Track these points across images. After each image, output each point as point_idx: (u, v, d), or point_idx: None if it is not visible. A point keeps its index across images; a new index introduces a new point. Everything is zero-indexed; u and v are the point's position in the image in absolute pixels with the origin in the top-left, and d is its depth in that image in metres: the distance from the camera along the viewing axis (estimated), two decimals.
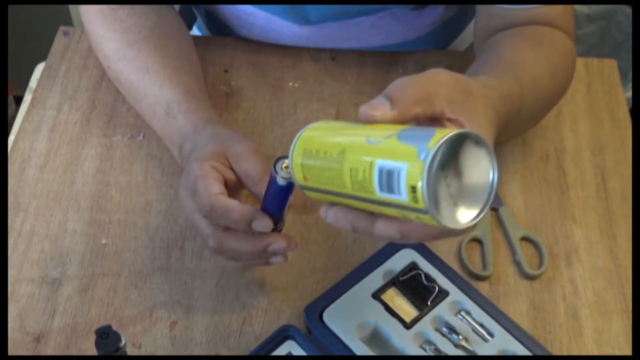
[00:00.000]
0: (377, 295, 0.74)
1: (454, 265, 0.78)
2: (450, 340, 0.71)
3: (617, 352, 0.73)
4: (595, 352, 0.73)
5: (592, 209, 0.83)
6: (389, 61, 0.96)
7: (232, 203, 0.67)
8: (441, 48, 1.03)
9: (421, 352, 0.71)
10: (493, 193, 0.51)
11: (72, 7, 1.73)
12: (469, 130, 0.50)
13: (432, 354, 0.70)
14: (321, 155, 0.56)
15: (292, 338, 0.72)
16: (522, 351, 0.71)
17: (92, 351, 0.70)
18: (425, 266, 0.76)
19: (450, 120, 0.58)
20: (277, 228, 0.68)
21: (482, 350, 0.71)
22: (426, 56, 0.97)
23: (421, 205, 0.48)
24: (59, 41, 0.97)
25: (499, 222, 0.82)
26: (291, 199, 0.67)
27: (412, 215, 0.51)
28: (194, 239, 0.80)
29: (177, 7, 1.05)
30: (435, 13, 0.96)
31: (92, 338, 0.64)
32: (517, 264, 0.78)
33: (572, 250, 0.80)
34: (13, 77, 1.83)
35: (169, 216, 0.81)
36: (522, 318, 0.75)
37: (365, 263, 0.76)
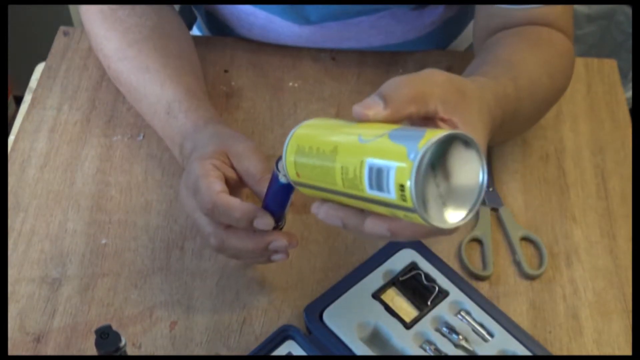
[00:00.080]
0: (377, 295, 0.74)
1: (454, 265, 0.78)
2: (450, 340, 0.71)
3: (617, 352, 0.73)
4: (595, 352, 0.73)
5: (592, 209, 0.83)
6: (389, 61, 0.96)
7: (234, 201, 0.67)
8: (441, 48, 1.03)
9: (421, 352, 0.71)
10: (482, 194, 0.52)
11: (72, 7, 1.73)
12: (459, 132, 0.51)
13: (432, 354, 0.70)
14: (314, 152, 0.57)
15: (292, 338, 0.72)
16: (522, 351, 0.71)
17: (92, 351, 0.70)
18: (425, 266, 0.76)
19: (443, 120, 0.58)
20: (278, 226, 0.69)
21: (482, 350, 0.71)
22: (426, 56, 0.97)
23: (409, 203, 0.49)
24: (59, 41, 0.97)
25: (499, 222, 0.82)
26: (292, 197, 0.67)
27: (401, 214, 0.51)
28: (194, 239, 0.80)
29: (177, 7, 1.05)
30: (435, 13, 0.96)
31: (92, 338, 0.64)
32: (517, 264, 0.78)
33: (572, 250, 0.80)
34: (13, 77, 1.83)
35: (169, 216, 0.81)
36: (522, 318, 0.75)
37: (365, 263, 0.76)
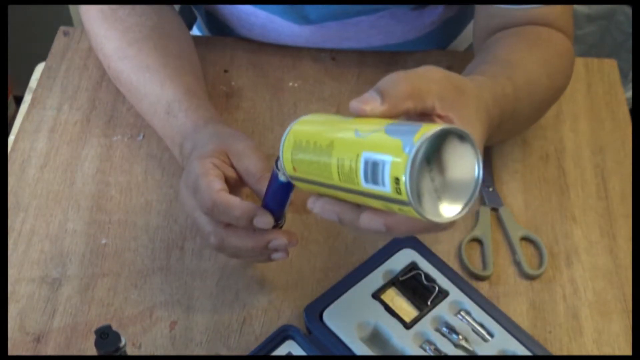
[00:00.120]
0: (377, 295, 0.74)
1: (454, 265, 0.78)
2: (450, 340, 0.71)
3: (617, 352, 0.73)
4: (595, 352, 0.73)
5: (592, 209, 0.83)
6: (389, 61, 0.96)
7: (234, 199, 0.67)
8: (441, 48, 1.03)
9: (421, 352, 0.71)
10: (478, 189, 0.52)
11: (72, 7, 1.73)
12: (455, 126, 0.51)
13: (432, 354, 0.70)
14: (311, 146, 0.57)
15: (292, 338, 0.72)
16: (522, 351, 0.71)
17: (92, 351, 0.70)
18: (425, 266, 0.76)
19: (440, 116, 0.58)
20: (278, 225, 0.69)
21: (482, 350, 0.71)
22: (426, 56, 0.97)
23: (404, 197, 0.49)
24: (59, 41, 0.97)
25: (499, 222, 0.82)
26: (292, 196, 0.67)
27: (395, 207, 0.51)
28: (194, 239, 0.80)
29: (177, 7, 1.05)
30: (435, 13, 0.96)
31: (92, 338, 0.64)
32: (517, 264, 0.78)
33: (572, 250, 0.80)
34: (13, 77, 1.83)
35: (169, 216, 0.81)
36: (522, 318, 0.75)
37: (365, 263, 0.76)
